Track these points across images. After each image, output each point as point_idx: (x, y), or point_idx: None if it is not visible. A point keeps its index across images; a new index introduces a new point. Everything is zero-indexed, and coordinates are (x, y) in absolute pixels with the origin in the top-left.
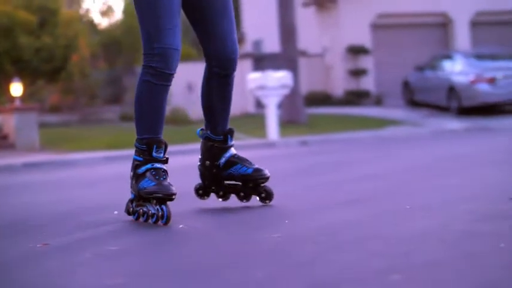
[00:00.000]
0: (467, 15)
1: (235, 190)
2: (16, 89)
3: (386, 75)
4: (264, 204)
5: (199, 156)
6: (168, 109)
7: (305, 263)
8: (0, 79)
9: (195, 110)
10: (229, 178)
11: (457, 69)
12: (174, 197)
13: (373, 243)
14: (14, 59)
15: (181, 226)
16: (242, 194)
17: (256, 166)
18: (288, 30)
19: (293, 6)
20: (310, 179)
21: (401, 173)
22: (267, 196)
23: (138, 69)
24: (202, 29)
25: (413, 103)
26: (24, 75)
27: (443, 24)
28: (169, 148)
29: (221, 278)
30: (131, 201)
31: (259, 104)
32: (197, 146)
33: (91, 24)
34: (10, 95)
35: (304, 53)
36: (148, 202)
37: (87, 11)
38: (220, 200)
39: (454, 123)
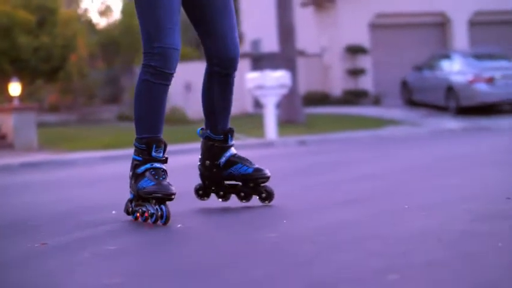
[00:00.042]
0: (465, 15)
1: (235, 190)
2: (14, 88)
3: (384, 75)
4: (263, 204)
5: (199, 156)
6: (166, 108)
7: (303, 263)
8: None
9: (193, 110)
10: (229, 178)
11: (455, 69)
12: (173, 196)
13: (371, 243)
14: (12, 58)
15: (179, 226)
16: (242, 194)
17: (257, 166)
18: (286, 30)
19: (291, 6)
20: (308, 178)
21: (399, 172)
22: (267, 196)
23: (137, 69)
24: (203, 27)
25: (411, 103)
26: (23, 75)
27: (441, 24)
28: (168, 148)
29: (220, 277)
30: (130, 201)
31: (258, 104)
32: (195, 145)
33: (89, 24)
34: (8, 94)
35: (302, 53)
36: (148, 202)
37: (86, 10)
38: (221, 200)
39: (452, 123)
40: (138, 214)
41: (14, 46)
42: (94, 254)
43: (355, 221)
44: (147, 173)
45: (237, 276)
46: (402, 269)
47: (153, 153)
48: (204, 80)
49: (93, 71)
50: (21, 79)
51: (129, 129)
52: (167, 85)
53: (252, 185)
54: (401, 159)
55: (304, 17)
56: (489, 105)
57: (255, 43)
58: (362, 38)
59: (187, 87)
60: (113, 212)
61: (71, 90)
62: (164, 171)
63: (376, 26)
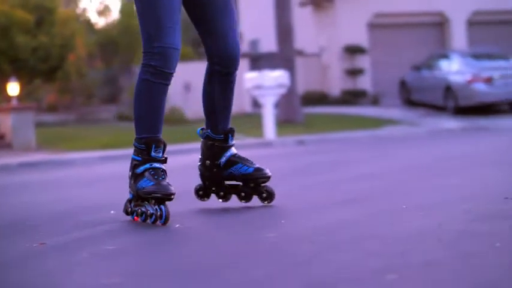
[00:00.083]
0: (464, 14)
1: (236, 190)
2: (13, 88)
3: (383, 75)
4: (264, 204)
5: (200, 156)
6: (165, 109)
7: (302, 263)
8: None
9: (192, 110)
10: (229, 178)
11: (453, 69)
12: (172, 197)
13: (369, 242)
14: (10, 58)
15: (177, 226)
16: (243, 194)
17: (257, 165)
18: (284, 29)
19: (290, 6)
20: (306, 178)
21: (398, 172)
22: (268, 196)
23: (135, 68)
24: (203, 26)
25: (410, 103)
26: (21, 75)
27: (440, 24)
28: (166, 148)
29: (219, 277)
30: (129, 201)
31: (256, 104)
32: (194, 145)
33: (88, 24)
34: (7, 94)
35: (301, 53)
36: (147, 202)
37: (84, 10)
38: (221, 201)
39: (450, 123)
40: (137, 214)
41: (12, 46)
42: (92, 254)
43: (353, 221)
44: (147, 173)
45: (236, 276)
46: (401, 268)
47: (153, 153)
48: (205, 79)
49: (91, 70)
50: (20, 79)
51: (128, 129)
52: (167, 85)
53: (253, 185)
54: (400, 159)
55: (302, 17)
56: (487, 105)
57: (254, 43)
58: (360, 37)
59: (186, 87)
60: (112, 211)
61: (69, 90)
62: (163, 171)
63: (375, 26)
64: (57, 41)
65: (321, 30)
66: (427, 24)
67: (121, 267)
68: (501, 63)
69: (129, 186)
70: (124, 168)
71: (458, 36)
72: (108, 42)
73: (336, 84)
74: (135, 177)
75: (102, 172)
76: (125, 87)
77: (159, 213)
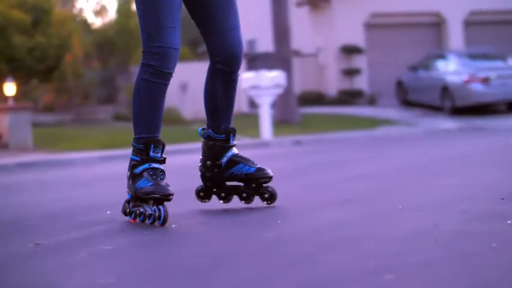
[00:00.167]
0: (460, 14)
1: (237, 191)
2: (9, 88)
3: (379, 75)
4: (266, 205)
5: (200, 157)
6: None
7: (299, 263)
8: None
9: (189, 110)
10: (231, 178)
11: (450, 69)
12: (171, 197)
13: (366, 243)
14: (7, 58)
15: (173, 226)
16: (244, 194)
17: (259, 165)
18: (281, 30)
19: (287, 6)
20: (303, 178)
21: (394, 172)
22: (270, 197)
23: (132, 69)
24: (205, 25)
25: (406, 103)
26: (18, 75)
27: (436, 24)
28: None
29: (216, 277)
30: (128, 201)
31: (253, 104)
32: (191, 145)
33: (84, 24)
34: (3, 94)
35: (297, 53)
36: (145, 202)
37: (81, 10)
38: (222, 202)
39: (447, 123)
40: (135, 215)
41: (9, 46)
42: (90, 254)
43: (350, 221)
44: (145, 173)
45: (234, 276)
46: (397, 269)
47: (151, 154)
48: (207, 78)
49: (88, 70)
50: (16, 79)
51: (126, 129)
52: (166, 85)
53: (254, 185)
54: (396, 159)
55: (299, 17)
56: (484, 105)
57: (250, 43)
58: (357, 37)
59: (183, 87)
60: (107, 212)
61: (66, 90)
62: (162, 171)
63: (372, 26)
64: (54, 41)
65: (317, 31)
66: (424, 25)
67: (118, 267)
68: (498, 63)
69: (128, 187)
70: (122, 168)
71: (455, 36)
72: (105, 43)
73: (332, 84)
74: (133, 177)
75: (100, 172)
76: (122, 88)
77: (157, 213)
